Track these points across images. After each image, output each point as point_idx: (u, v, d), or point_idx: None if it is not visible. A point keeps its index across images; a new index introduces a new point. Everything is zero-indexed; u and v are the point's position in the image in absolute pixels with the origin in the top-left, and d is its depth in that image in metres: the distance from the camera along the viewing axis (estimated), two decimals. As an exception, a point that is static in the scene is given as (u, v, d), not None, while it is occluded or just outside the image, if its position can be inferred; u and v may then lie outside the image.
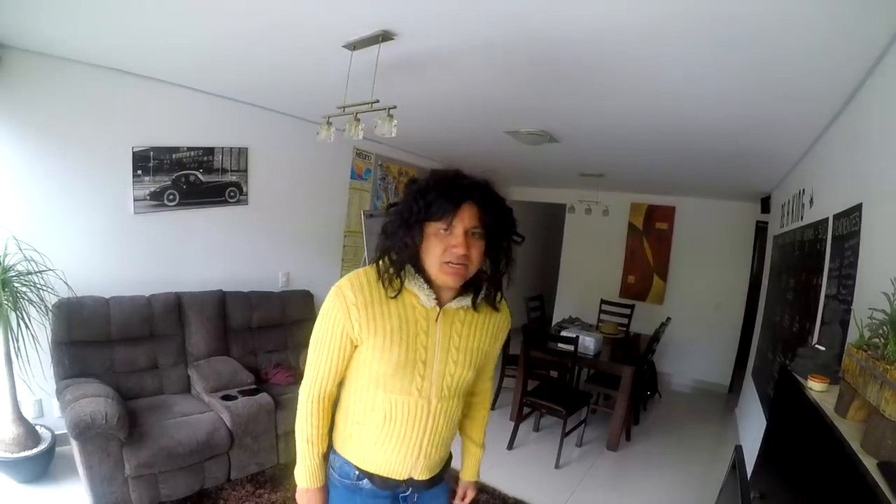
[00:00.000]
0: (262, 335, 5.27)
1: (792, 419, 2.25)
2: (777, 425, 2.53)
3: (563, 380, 5.27)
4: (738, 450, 2.10)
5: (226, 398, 4.16)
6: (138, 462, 3.47)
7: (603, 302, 8.45)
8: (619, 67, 3.07)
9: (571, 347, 5.18)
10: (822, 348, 2.51)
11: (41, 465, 3.80)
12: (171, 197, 4.78)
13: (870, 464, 1.38)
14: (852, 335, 2.11)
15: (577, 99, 3.85)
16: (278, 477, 4.21)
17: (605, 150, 5.59)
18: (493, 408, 6.21)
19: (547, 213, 12.08)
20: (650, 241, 9.10)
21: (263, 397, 4.28)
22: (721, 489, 2.25)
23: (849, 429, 1.63)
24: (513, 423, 5.54)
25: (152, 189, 4.66)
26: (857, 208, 2.74)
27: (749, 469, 2.56)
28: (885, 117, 2.57)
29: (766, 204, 7.21)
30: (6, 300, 3.48)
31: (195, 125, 4.91)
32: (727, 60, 2.75)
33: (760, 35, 2.41)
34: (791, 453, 2.13)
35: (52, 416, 4.12)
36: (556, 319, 9.12)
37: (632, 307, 8.21)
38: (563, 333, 5.79)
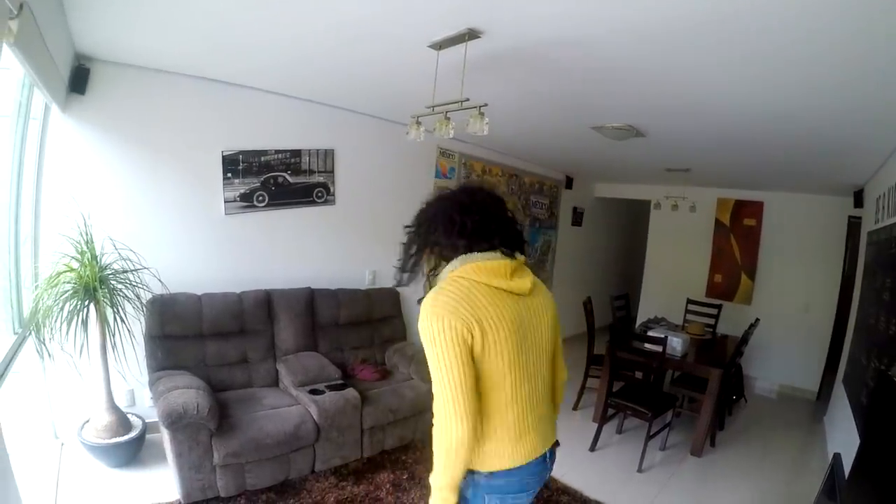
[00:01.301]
0: (349, 332, 5.36)
1: (891, 428, 2.16)
2: (874, 435, 2.43)
3: (649, 381, 5.16)
4: (837, 457, 2.03)
5: (313, 392, 4.26)
6: (227, 451, 3.58)
7: (689, 301, 8.27)
8: (706, 61, 3.02)
9: (659, 348, 5.06)
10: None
11: (131, 451, 3.98)
12: (260, 198, 4.93)
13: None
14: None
15: (665, 94, 3.80)
16: (361, 471, 4.28)
17: (691, 143, 5.47)
18: (575, 408, 6.19)
19: (631, 210, 11.96)
20: (737, 238, 8.86)
21: (350, 392, 4.35)
22: (815, 501, 2.17)
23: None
24: (596, 425, 5.48)
25: (242, 191, 4.81)
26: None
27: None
28: None
29: (859, 198, 6.88)
30: (103, 297, 3.65)
31: (282, 128, 5.04)
32: (818, 47, 2.65)
33: (853, 21, 2.31)
34: (889, 465, 2.05)
35: (143, 405, 4.33)
36: (640, 319, 8.95)
37: (719, 307, 8.00)
38: (650, 333, 5.68)
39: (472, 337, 1.73)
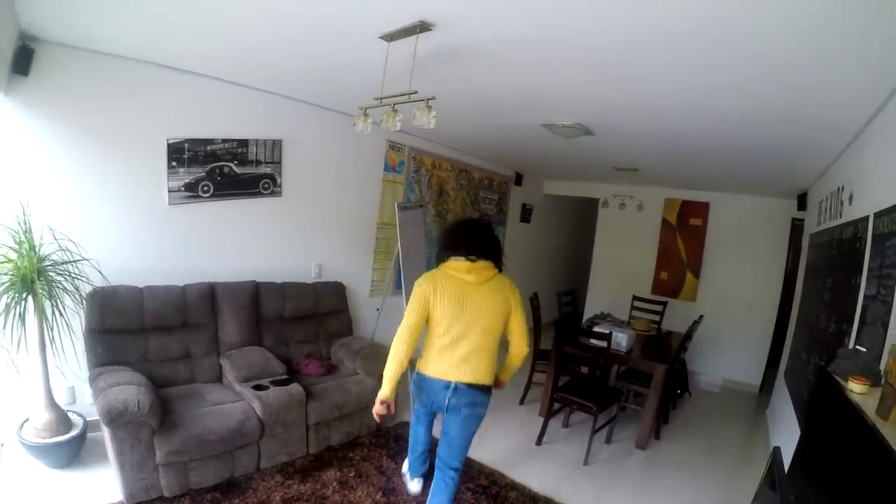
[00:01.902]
0: (295, 326, 5.31)
1: (830, 422, 2.20)
2: (814, 428, 2.48)
3: (594, 376, 5.21)
4: (777, 451, 2.06)
5: (257, 388, 4.20)
6: (169, 449, 3.51)
7: (635, 298, 8.40)
8: (658, 61, 3.03)
9: (604, 343, 5.11)
10: (863, 350, 2.46)
11: (72, 450, 3.85)
12: (205, 188, 4.82)
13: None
14: (893, 337, 2.06)
15: (616, 93, 3.81)
16: (308, 468, 4.24)
17: (640, 143, 5.54)
18: (522, 402, 6.23)
19: (580, 208, 12.09)
20: (684, 237, 9.04)
21: (295, 387, 4.31)
22: (757, 492, 2.20)
23: (891, 431, 1.59)
24: (542, 419, 5.52)
25: (187, 180, 4.70)
26: (902, 206, 2.67)
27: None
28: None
29: (802, 201, 7.11)
30: (41, 289, 3.53)
31: (230, 117, 4.93)
32: (763, 54, 2.69)
33: (799, 29, 2.35)
34: (828, 456, 2.09)
35: (85, 403, 4.18)
36: (587, 315, 9.02)
37: (664, 304, 8.16)
38: (596, 329, 5.73)
39: (429, 295, 3.23)
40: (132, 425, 3.39)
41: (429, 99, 3.11)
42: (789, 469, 2.62)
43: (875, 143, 3.52)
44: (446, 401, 3.29)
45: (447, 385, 3.27)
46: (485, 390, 3.36)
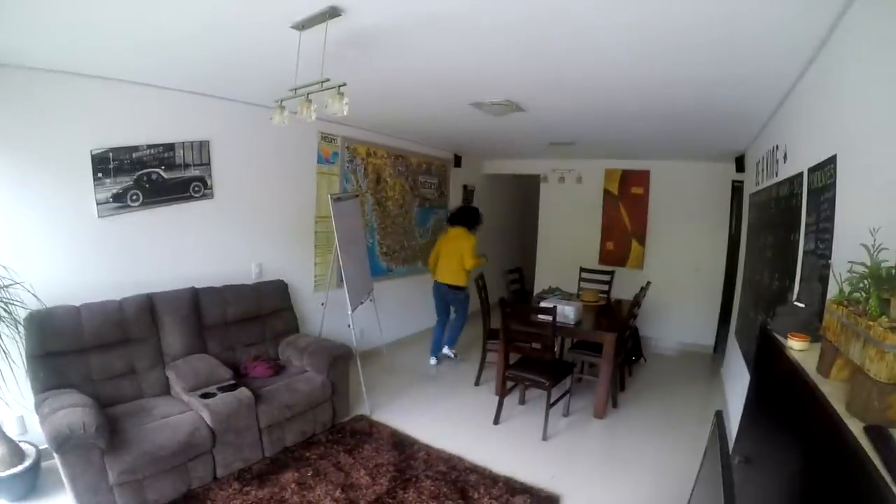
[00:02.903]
0: (239, 329, 5.21)
1: (774, 380, 2.20)
2: (759, 387, 2.48)
3: (545, 351, 5.19)
4: (719, 415, 2.04)
5: (205, 396, 4.11)
6: (121, 469, 3.41)
7: (582, 270, 8.49)
8: (580, 34, 3.01)
9: (550, 318, 5.10)
10: (802, 305, 2.47)
11: (28, 481, 3.74)
12: (134, 197, 4.65)
13: (855, 427, 1.32)
14: (833, 291, 2.05)
15: (541, 67, 3.77)
16: (265, 472, 4.18)
17: (572, 116, 5.53)
18: (477, 384, 6.25)
19: (522, 185, 12.11)
20: (626, 206, 9.15)
21: (242, 392, 4.24)
22: (704, 456, 2.18)
23: (833, 389, 1.58)
24: (498, 398, 5.53)
25: (115, 191, 4.52)
26: (832, 160, 2.68)
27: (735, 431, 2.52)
28: (855, 67, 2.52)
29: (740, 163, 7.27)
30: (-27, 319, 3.38)
31: (153, 122, 4.76)
32: (690, 15, 2.67)
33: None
34: (774, 416, 2.08)
35: (36, 431, 3.95)
36: (536, 291, 9.08)
37: (612, 273, 8.26)
38: (541, 304, 5.76)
39: (439, 243, 7.40)
40: (81, 449, 3.29)
41: (340, 86, 3.04)
42: (739, 430, 2.62)
43: (804, 101, 3.55)
44: (438, 291, 7.29)
45: (439, 284, 7.24)
46: (453, 287, 7.14)
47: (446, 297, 7.16)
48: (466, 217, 7.09)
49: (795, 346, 2.02)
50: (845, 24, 2.61)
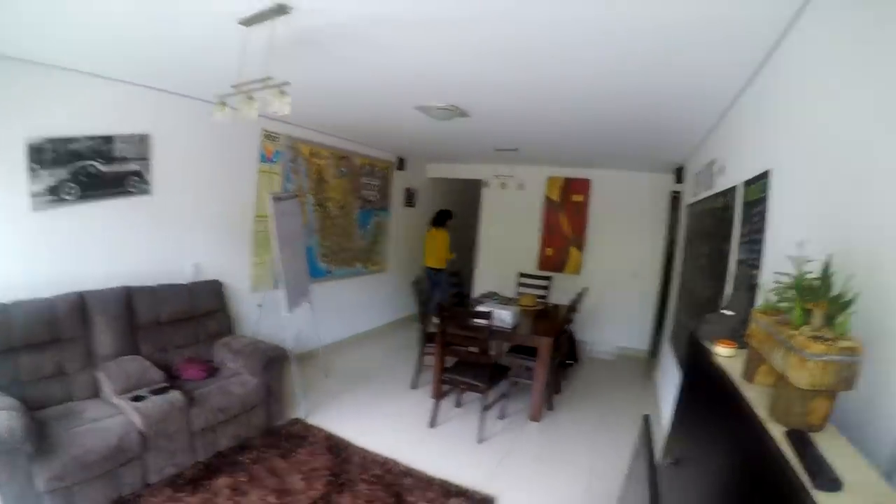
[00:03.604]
0: (173, 330, 5.08)
1: (702, 385, 2.25)
2: (689, 391, 2.54)
3: (481, 355, 5.22)
4: (646, 419, 2.09)
5: (136, 399, 4.01)
6: (50, 475, 3.29)
7: (521, 275, 8.64)
8: (524, 41, 3.05)
9: (486, 322, 5.15)
10: (730, 313, 2.53)
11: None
12: (70, 190, 4.51)
13: (777, 431, 1.36)
14: (760, 300, 2.12)
15: (486, 73, 3.80)
16: (198, 478, 4.09)
17: (516, 124, 5.58)
18: (414, 387, 6.26)
19: (465, 190, 12.16)
20: (567, 213, 9.28)
21: (174, 395, 4.15)
22: (631, 461, 2.23)
23: (757, 394, 1.63)
24: (434, 401, 5.54)
25: (50, 183, 4.37)
26: (765, 175, 2.80)
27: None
28: (791, 88, 2.64)
29: (679, 174, 7.45)
30: None
31: (92, 112, 4.61)
32: (632, 31, 2.74)
33: (664, 5, 2.39)
34: (703, 419, 2.13)
35: None
36: (475, 295, 9.23)
37: (549, 279, 8.40)
38: (478, 308, 5.80)
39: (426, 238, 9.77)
40: (7, 455, 3.16)
41: (282, 84, 3.02)
42: (669, 432, 2.67)
43: (743, 118, 3.69)
44: (427, 272, 9.30)
45: (426, 267, 9.50)
46: (434, 269, 9.32)
47: (431, 276, 9.36)
48: (442, 218, 9.55)
49: (722, 352, 2.07)
50: (781, 50, 2.76)
